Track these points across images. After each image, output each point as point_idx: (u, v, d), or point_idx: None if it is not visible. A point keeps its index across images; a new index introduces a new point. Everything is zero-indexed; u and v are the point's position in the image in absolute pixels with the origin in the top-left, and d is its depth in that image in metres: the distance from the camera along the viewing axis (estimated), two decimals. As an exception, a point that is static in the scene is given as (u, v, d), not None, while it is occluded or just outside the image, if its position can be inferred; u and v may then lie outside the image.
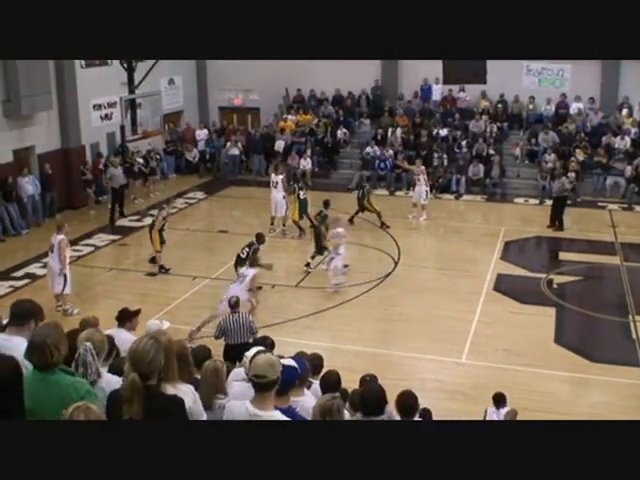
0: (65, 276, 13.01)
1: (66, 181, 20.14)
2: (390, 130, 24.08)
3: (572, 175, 20.98)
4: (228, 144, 24.54)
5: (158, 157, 23.26)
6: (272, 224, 18.21)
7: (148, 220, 17.93)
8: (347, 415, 5.05)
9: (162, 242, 15.29)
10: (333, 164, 24.21)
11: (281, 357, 4.67)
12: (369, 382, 6.42)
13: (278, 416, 3.93)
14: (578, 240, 17.91)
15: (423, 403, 6.83)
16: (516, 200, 21.77)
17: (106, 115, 22.01)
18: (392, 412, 5.47)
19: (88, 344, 4.20)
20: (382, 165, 22.85)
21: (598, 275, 15.90)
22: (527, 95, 24.12)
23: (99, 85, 21.00)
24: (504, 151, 23.50)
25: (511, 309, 13.59)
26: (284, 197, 18.05)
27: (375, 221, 18.82)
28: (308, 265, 15.37)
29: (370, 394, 5.05)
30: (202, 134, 25.29)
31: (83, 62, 20.55)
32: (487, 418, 8.55)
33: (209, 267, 15.63)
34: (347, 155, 24.47)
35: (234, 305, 10.08)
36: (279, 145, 24.19)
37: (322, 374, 6.42)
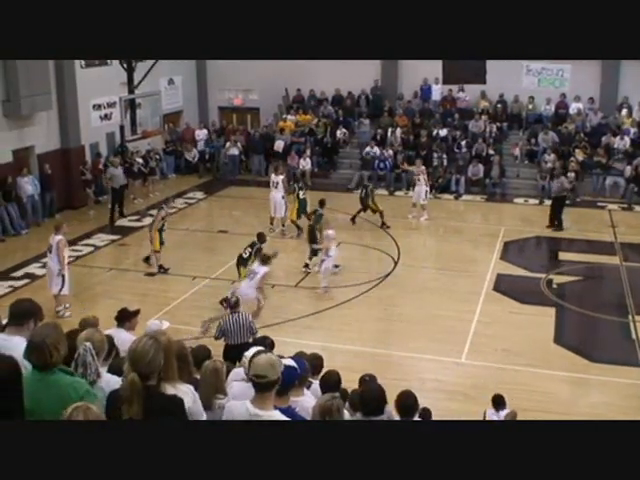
0: (63, 277, 12.99)
1: (66, 181, 20.13)
2: (390, 130, 24.08)
3: (572, 175, 21.00)
4: (228, 144, 24.53)
5: (158, 157, 23.26)
6: (271, 224, 18.21)
7: (148, 220, 17.95)
8: (347, 415, 5.05)
9: (161, 243, 15.29)
10: (333, 164, 24.21)
11: (281, 357, 4.67)
12: (369, 382, 6.42)
13: (278, 416, 3.93)
14: (578, 240, 17.92)
15: (423, 403, 6.84)
16: (516, 200, 21.77)
17: (106, 115, 22.01)
18: (392, 412, 5.47)
19: (88, 344, 4.19)
20: (382, 165, 22.85)
21: (598, 275, 15.91)
22: (527, 95, 24.12)
23: (99, 85, 21.00)
24: (504, 151, 23.50)
25: (511, 309, 13.59)
26: (283, 197, 18.06)
27: (375, 221, 18.82)
28: (307, 266, 15.37)
29: (370, 394, 5.05)
30: (202, 134, 25.28)
31: (83, 62, 20.55)
32: (486, 419, 8.55)
33: (209, 267, 15.63)
34: (347, 155, 24.47)
35: (234, 305, 10.08)
36: (279, 145, 24.19)
37: (322, 374, 6.42)
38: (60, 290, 13.00)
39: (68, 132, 20.29)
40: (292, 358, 5.04)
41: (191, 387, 4.22)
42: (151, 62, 20.73)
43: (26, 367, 3.77)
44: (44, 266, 14.12)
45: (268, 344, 7.22)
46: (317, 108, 25.60)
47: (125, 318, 8.03)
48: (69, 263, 13.64)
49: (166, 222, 15.51)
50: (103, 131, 21.92)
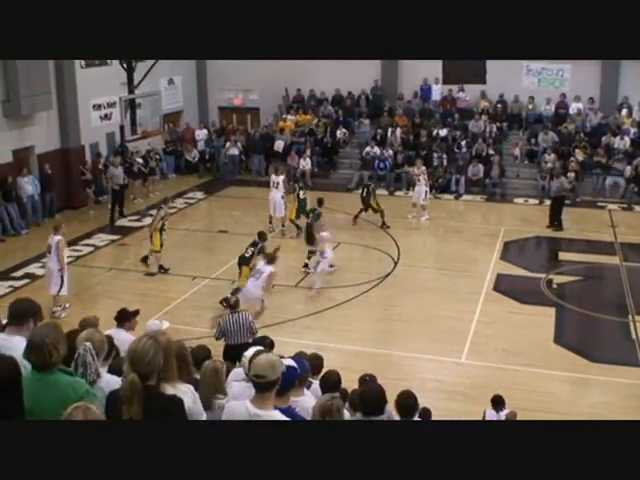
0: (62, 277, 12.97)
1: (66, 181, 20.14)
2: (390, 130, 24.08)
3: (571, 175, 21.00)
4: (228, 144, 24.53)
5: (158, 157, 23.26)
6: (270, 223, 18.19)
7: (148, 220, 17.95)
8: (347, 415, 5.05)
9: (160, 243, 15.27)
10: (333, 164, 24.21)
11: (281, 357, 4.67)
12: (369, 382, 6.42)
13: (278, 416, 3.93)
14: (578, 240, 17.92)
15: (423, 403, 6.84)
16: (516, 200, 21.77)
17: (106, 115, 22.01)
18: (392, 412, 5.47)
19: (88, 344, 4.19)
20: (382, 165, 22.84)
21: (598, 275, 15.91)
22: (527, 95, 24.12)
23: (99, 85, 21.00)
24: (504, 151, 23.50)
25: (511, 309, 13.59)
26: (283, 197, 18.06)
27: (375, 221, 18.82)
28: (306, 266, 15.37)
29: (370, 394, 5.05)
30: (202, 134, 25.28)
31: (83, 62, 20.55)
32: (486, 419, 8.54)
33: (209, 267, 15.63)
34: (347, 155, 24.47)
35: (234, 305, 10.07)
36: (279, 145, 24.19)
37: (322, 374, 6.42)
38: (59, 291, 12.99)
39: (68, 132, 20.30)
40: (292, 358, 5.04)
41: (191, 387, 4.21)
42: (151, 62, 20.73)
43: (26, 367, 3.77)
44: (44, 266, 14.12)
45: (268, 344, 7.22)
46: (317, 108, 25.59)
47: (125, 318, 8.04)
48: (69, 263, 13.65)
49: (166, 222, 15.50)
50: (103, 131, 21.92)
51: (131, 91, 20.88)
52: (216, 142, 25.08)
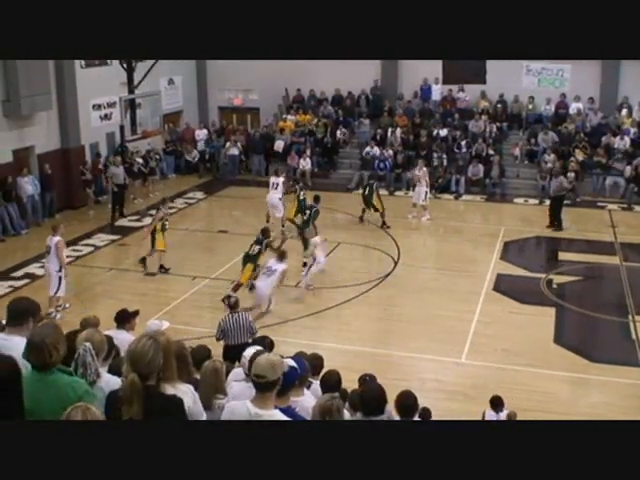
0: (60, 278, 12.94)
1: (66, 181, 20.14)
2: (390, 130, 24.08)
3: (571, 175, 21.00)
4: (228, 144, 24.53)
5: (157, 157, 23.26)
6: (267, 222, 18.12)
7: (148, 220, 17.95)
8: (347, 415, 5.04)
9: (154, 246, 15.24)
10: (333, 164, 24.21)
11: (281, 357, 4.67)
12: (369, 382, 6.42)
13: (279, 416, 3.93)
14: (578, 240, 17.92)
15: (422, 403, 6.84)
16: (516, 200, 21.78)
17: (106, 115, 22.01)
18: (392, 412, 5.47)
19: (88, 344, 4.19)
20: (382, 165, 22.84)
21: (598, 275, 15.91)
22: (527, 95, 24.12)
23: (99, 85, 21.00)
24: (504, 151, 23.50)
25: (511, 309, 13.59)
26: (280, 199, 18.05)
27: (375, 221, 18.83)
28: (305, 265, 15.35)
29: (370, 394, 5.04)
30: (202, 134, 25.28)
31: (83, 62, 20.55)
32: (486, 419, 8.54)
33: (209, 267, 15.64)
34: (347, 155, 24.47)
35: (234, 306, 10.08)
36: (279, 145, 24.19)
37: (322, 374, 6.42)
38: (56, 292, 12.95)
39: (68, 132, 20.30)
40: (292, 358, 5.03)
41: (191, 387, 4.21)
42: (151, 62, 20.73)
43: (26, 367, 3.77)
44: (44, 266, 14.11)
45: (267, 344, 7.22)
46: (317, 108, 25.59)
47: (124, 319, 8.03)
48: (68, 263, 13.64)
49: (167, 222, 15.49)
50: (103, 131, 21.92)
51: (131, 91, 20.88)
52: (216, 142, 25.08)
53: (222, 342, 9.83)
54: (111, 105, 21.77)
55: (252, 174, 24.22)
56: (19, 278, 15.04)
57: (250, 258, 13.65)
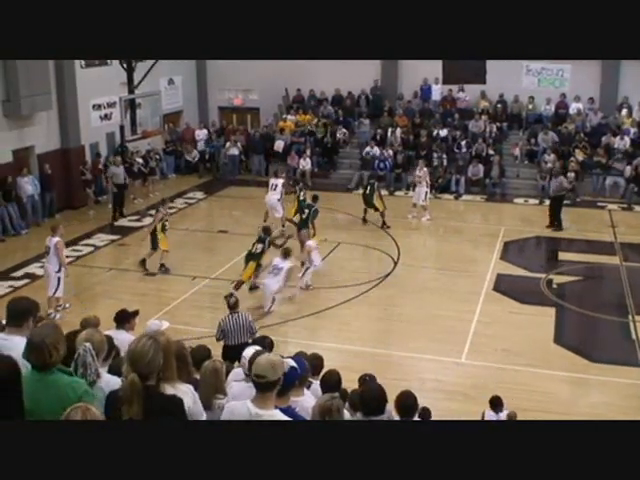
0: (59, 279, 12.92)
1: (66, 181, 20.13)
2: (390, 130, 24.08)
3: (571, 175, 21.00)
4: (228, 144, 24.53)
5: (157, 157, 23.26)
6: (265, 220, 18.07)
7: (148, 220, 17.95)
8: (347, 415, 5.04)
9: (154, 247, 15.23)
10: (333, 164, 24.21)
11: (281, 357, 4.66)
12: (369, 382, 6.42)
13: (279, 416, 3.93)
14: (578, 240, 17.92)
15: (422, 403, 6.84)
16: (516, 200, 21.78)
17: (106, 115, 22.01)
18: (392, 412, 5.47)
19: (88, 345, 4.19)
20: (382, 165, 22.83)
21: (598, 275, 15.91)
22: (527, 95, 24.11)
23: (99, 85, 21.00)
24: (504, 151, 23.50)
25: (511, 309, 13.59)
26: (279, 200, 18.03)
27: (376, 222, 18.83)
28: (303, 264, 15.34)
29: (370, 394, 5.04)
30: (202, 134, 25.28)
31: (83, 62, 20.55)
32: (486, 420, 8.54)
33: (209, 267, 15.63)
34: (347, 155, 24.47)
35: (233, 306, 10.07)
36: (279, 145, 24.19)
37: (322, 374, 6.42)
38: (55, 292, 12.94)
39: (68, 132, 20.30)
40: (292, 358, 5.03)
41: (191, 387, 4.21)
42: (151, 62, 20.73)
43: (26, 367, 3.77)
44: (44, 267, 14.11)
45: (267, 344, 7.22)
46: (317, 108, 25.59)
47: (124, 319, 8.03)
48: (68, 263, 13.63)
49: (167, 222, 15.48)
50: (103, 131, 21.92)
51: (131, 91, 20.88)
52: (216, 142, 25.08)
53: (222, 342, 9.83)
54: (111, 105, 21.77)
55: (252, 174, 24.22)
56: (19, 278, 15.04)
57: (253, 256, 13.65)
